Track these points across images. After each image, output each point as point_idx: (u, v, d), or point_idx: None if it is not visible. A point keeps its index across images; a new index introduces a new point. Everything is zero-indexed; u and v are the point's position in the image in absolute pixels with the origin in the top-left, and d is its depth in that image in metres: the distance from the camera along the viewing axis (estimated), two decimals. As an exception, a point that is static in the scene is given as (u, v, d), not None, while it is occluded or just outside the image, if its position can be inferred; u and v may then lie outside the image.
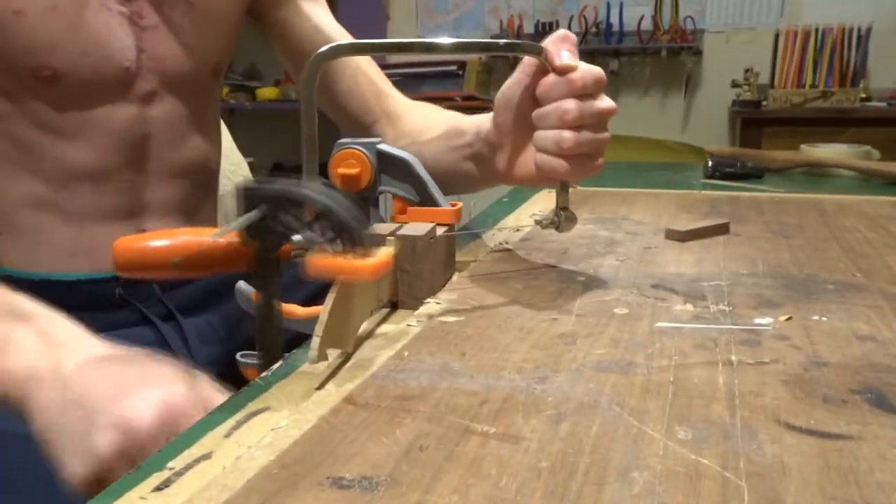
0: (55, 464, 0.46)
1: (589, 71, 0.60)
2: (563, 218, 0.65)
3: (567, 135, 0.59)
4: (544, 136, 0.60)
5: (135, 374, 0.48)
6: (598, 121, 0.60)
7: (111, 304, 0.75)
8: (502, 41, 0.61)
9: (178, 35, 0.75)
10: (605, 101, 0.60)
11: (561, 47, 0.60)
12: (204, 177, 0.85)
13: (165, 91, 0.76)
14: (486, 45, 0.61)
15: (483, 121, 0.72)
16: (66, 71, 0.68)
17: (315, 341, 0.45)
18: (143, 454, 0.42)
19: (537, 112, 0.61)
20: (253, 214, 0.48)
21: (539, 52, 0.60)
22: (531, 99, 0.63)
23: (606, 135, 0.61)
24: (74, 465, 0.45)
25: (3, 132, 0.70)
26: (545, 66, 0.60)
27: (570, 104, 0.59)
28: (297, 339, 0.56)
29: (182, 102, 0.78)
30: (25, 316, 0.53)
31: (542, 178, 0.65)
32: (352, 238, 0.47)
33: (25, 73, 0.67)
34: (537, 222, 0.66)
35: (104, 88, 0.71)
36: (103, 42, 0.70)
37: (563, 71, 0.59)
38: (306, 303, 0.63)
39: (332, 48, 0.56)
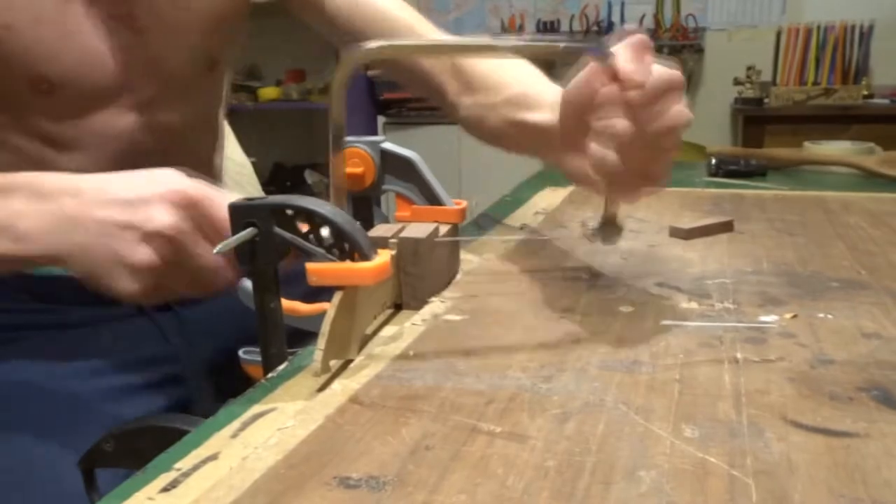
0: (109, 290, 0.52)
1: (656, 80, 0.52)
2: (604, 231, 0.60)
3: (611, 157, 0.52)
4: (592, 151, 0.54)
5: (135, 187, 0.52)
6: (660, 139, 0.53)
7: (109, 299, 0.76)
8: (563, 44, 0.53)
9: (171, 34, 0.74)
10: (669, 116, 0.52)
11: (629, 55, 0.52)
12: (206, 180, 0.85)
13: (164, 94, 0.75)
14: (545, 49, 0.53)
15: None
16: (61, 81, 0.67)
17: (318, 354, 0.44)
18: (185, 249, 0.51)
19: (591, 122, 0.55)
20: (244, 234, 0.48)
21: (605, 58, 0.52)
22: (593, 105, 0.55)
23: (669, 152, 0.54)
24: (125, 285, 0.51)
25: (4, 144, 0.69)
26: (611, 72, 0.53)
27: (622, 124, 0.52)
28: (300, 334, 0.56)
29: (181, 105, 0.77)
30: (9, 188, 0.54)
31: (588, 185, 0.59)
32: (350, 245, 0.47)
33: (22, 87, 0.67)
34: (585, 231, 0.62)
35: (102, 96, 0.70)
36: (95, 50, 0.68)
37: (624, 84, 0.51)
38: (309, 298, 0.63)
39: (371, 49, 0.53)
